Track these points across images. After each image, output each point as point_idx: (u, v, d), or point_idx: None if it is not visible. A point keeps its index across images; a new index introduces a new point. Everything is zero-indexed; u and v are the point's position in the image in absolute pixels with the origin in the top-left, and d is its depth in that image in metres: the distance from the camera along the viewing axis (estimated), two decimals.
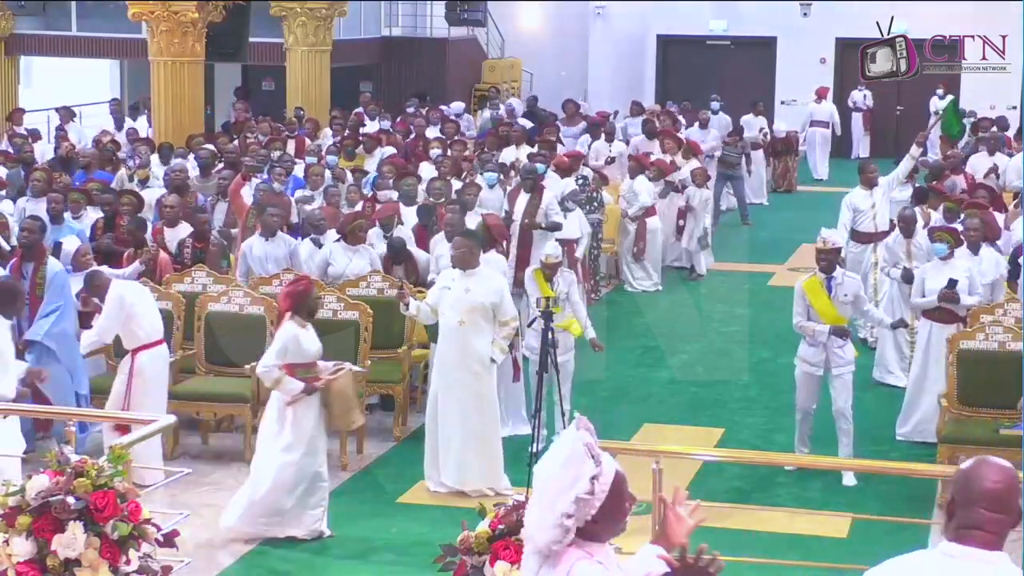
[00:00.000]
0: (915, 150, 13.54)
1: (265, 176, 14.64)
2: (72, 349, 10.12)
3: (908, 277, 11.87)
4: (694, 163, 17.93)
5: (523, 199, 13.40)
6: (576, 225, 13.87)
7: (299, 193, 14.85)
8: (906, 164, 13.50)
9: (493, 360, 9.64)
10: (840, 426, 10.21)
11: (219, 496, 9.62)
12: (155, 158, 16.84)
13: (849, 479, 9.91)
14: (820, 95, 26.05)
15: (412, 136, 19.86)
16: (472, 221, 13.25)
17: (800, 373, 10.25)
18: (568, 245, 13.73)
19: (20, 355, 10.01)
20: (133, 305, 9.58)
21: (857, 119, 27.76)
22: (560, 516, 3.76)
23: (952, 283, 10.61)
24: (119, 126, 21.31)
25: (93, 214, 13.28)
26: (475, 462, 9.63)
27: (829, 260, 10.15)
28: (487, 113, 24.36)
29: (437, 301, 9.66)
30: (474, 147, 18.70)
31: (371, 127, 21.09)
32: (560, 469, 3.82)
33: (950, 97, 14.86)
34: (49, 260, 10.32)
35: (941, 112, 14.26)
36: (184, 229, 12.53)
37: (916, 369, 11.03)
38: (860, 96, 27.50)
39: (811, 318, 10.12)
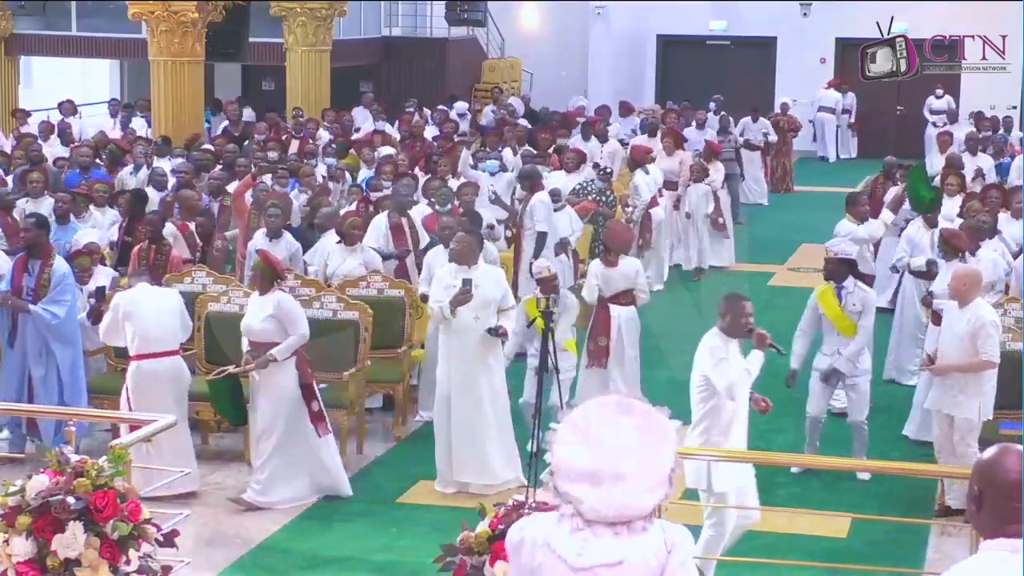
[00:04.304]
0: (887, 215, 12.44)
1: (268, 179, 14.61)
2: (68, 355, 10.13)
3: (932, 271, 11.81)
4: (716, 163, 17.93)
5: (521, 201, 13.49)
6: (567, 222, 13.83)
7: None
8: (877, 229, 12.33)
9: (503, 335, 9.67)
10: (856, 435, 10.21)
11: (219, 496, 9.63)
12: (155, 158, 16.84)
13: (864, 474, 9.94)
14: (830, 84, 27.40)
15: (410, 137, 19.85)
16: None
17: (814, 382, 10.25)
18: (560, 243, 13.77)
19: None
20: (128, 314, 9.54)
21: (832, 120, 27.92)
22: (668, 471, 3.77)
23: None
24: (124, 126, 21.28)
25: (98, 214, 13.29)
26: (497, 455, 9.73)
27: (829, 269, 10.16)
28: (490, 112, 24.39)
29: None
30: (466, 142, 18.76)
31: (368, 127, 21.07)
32: (639, 430, 3.79)
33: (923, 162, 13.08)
34: (56, 259, 10.26)
35: (907, 179, 12.33)
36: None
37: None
38: (848, 101, 27.69)
39: (825, 327, 10.13)
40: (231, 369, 9.58)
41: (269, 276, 9.44)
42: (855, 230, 12.05)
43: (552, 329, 9.61)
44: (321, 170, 15.55)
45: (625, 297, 11.00)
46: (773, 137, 23.03)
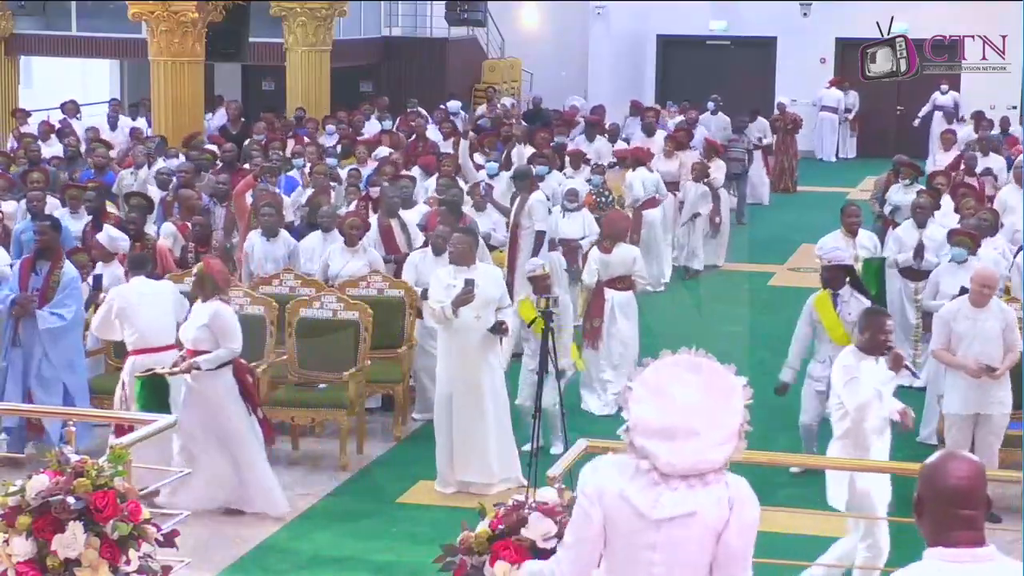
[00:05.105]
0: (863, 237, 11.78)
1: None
2: (70, 356, 10.14)
3: (914, 268, 11.74)
4: (718, 162, 17.89)
5: (517, 200, 13.49)
6: (579, 224, 13.84)
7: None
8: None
9: (505, 331, 9.70)
10: None
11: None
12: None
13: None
14: (832, 83, 27.45)
15: (412, 137, 19.84)
16: (483, 221, 13.32)
17: (807, 390, 10.23)
18: (569, 244, 13.74)
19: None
20: (123, 310, 9.52)
21: (834, 120, 27.92)
22: (739, 426, 4.02)
23: (964, 291, 10.55)
24: (113, 126, 21.31)
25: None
26: (497, 454, 9.75)
27: (825, 276, 10.11)
28: (484, 112, 24.36)
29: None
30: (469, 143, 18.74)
31: (371, 127, 21.04)
32: (707, 387, 4.05)
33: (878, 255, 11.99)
34: (66, 264, 10.25)
35: (863, 269, 11.50)
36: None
37: (929, 372, 10.99)
38: (850, 99, 27.70)
39: (818, 335, 10.09)
40: (158, 370, 9.39)
41: (209, 286, 9.24)
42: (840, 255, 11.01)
43: (552, 329, 9.61)
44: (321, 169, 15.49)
45: (621, 282, 11.65)
46: (768, 140, 22.96)
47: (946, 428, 9.49)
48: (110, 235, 11.48)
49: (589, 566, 4.17)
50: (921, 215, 12.29)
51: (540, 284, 10.27)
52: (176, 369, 9.18)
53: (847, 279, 10.12)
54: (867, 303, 10.25)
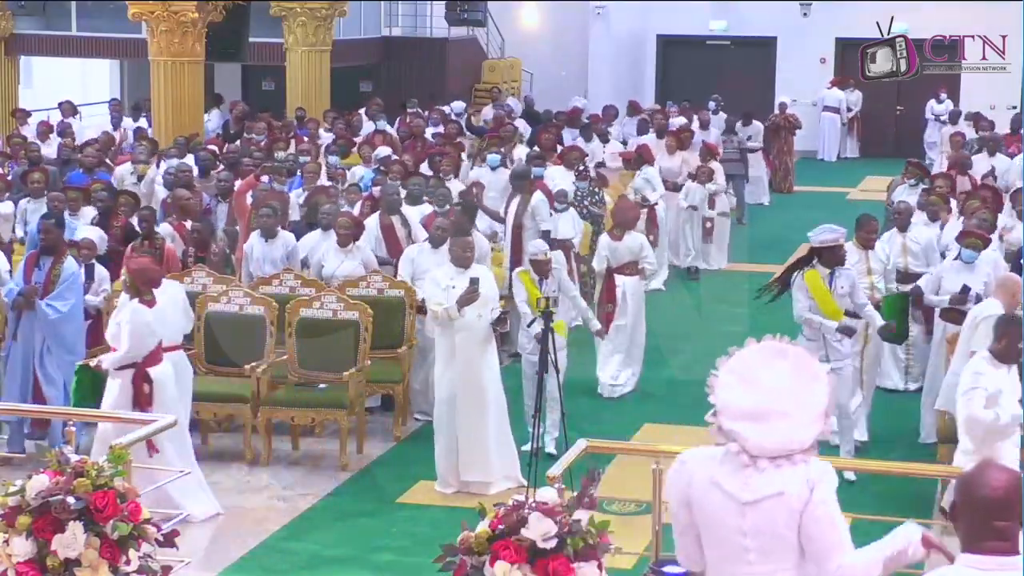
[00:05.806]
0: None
1: (265, 179, 14.57)
2: (70, 349, 10.14)
3: (900, 270, 11.70)
4: (714, 164, 17.86)
5: (515, 201, 13.47)
6: (570, 224, 13.84)
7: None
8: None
9: (504, 320, 9.84)
10: (840, 422, 10.20)
11: (219, 496, 9.61)
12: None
13: (850, 473, 9.91)
14: (834, 83, 27.52)
15: (410, 138, 19.82)
16: (480, 219, 13.32)
17: None
18: (563, 245, 13.73)
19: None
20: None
21: (836, 120, 27.91)
22: (824, 407, 4.22)
23: (965, 289, 10.52)
24: (116, 126, 21.29)
25: (91, 213, 13.26)
26: (498, 453, 9.77)
27: (830, 257, 10.08)
28: (489, 112, 24.34)
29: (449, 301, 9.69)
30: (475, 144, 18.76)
31: (366, 127, 21.03)
32: (794, 371, 4.26)
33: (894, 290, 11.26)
34: (67, 259, 10.30)
35: (882, 300, 10.90)
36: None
37: (930, 371, 10.95)
38: (853, 98, 27.68)
39: (811, 311, 10.08)
40: (91, 362, 9.30)
41: (130, 286, 9.13)
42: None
43: (552, 329, 9.63)
44: (313, 167, 15.48)
45: (630, 268, 12.16)
46: (755, 143, 22.74)
47: None
48: (101, 235, 11.54)
49: (700, 550, 4.38)
50: (899, 220, 12.18)
51: (542, 268, 10.46)
52: (90, 362, 9.20)
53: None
54: (852, 272, 10.24)
